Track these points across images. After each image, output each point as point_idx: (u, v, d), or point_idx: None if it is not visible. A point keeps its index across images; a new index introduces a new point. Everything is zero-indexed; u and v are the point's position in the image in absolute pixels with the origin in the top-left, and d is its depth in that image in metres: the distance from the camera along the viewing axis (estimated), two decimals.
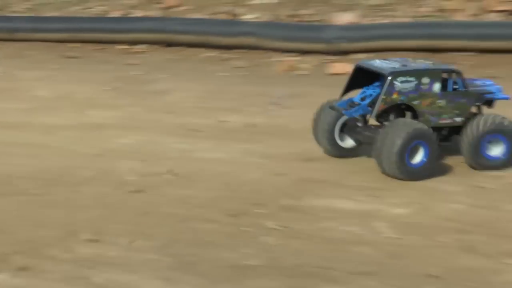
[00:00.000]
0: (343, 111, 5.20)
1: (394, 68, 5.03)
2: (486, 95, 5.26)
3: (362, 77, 5.23)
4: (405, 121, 4.99)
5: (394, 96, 4.98)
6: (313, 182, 4.92)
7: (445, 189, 4.63)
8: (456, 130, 5.17)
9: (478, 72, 6.90)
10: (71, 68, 9.84)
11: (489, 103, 5.33)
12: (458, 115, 5.11)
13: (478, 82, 5.34)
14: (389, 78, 4.93)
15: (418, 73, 4.97)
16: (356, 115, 5.21)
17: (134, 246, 4.23)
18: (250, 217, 4.46)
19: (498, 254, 3.75)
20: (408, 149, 4.87)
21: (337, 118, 5.31)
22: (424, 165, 4.94)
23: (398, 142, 4.85)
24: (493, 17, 7.42)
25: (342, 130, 5.36)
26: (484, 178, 4.72)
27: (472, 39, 7.18)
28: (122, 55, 10.18)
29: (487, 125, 4.98)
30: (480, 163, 5.09)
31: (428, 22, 8.04)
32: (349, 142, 5.44)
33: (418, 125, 4.93)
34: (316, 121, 5.40)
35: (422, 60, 5.43)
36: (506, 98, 5.36)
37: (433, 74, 4.99)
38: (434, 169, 5.00)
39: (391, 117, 5.13)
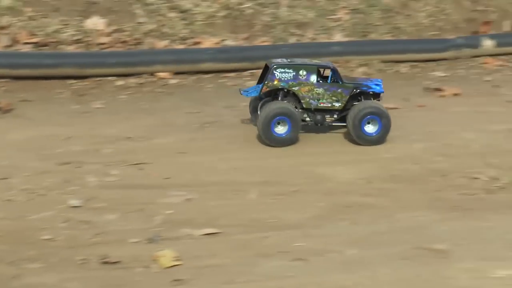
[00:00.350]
0: (241, 92, 6.52)
1: (278, 62, 6.37)
2: (362, 87, 6.45)
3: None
4: (276, 102, 6.30)
5: (276, 82, 6.31)
6: None
7: None
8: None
9: (10, 96, 7.44)
10: None
11: (376, 96, 6.54)
12: (336, 101, 6.39)
13: (360, 80, 6.73)
14: (271, 69, 6.28)
15: (295, 67, 6.33)
16: (250, 96, 6.51)
17: None
18: None
19: (20, 260, 4.15)
20: (273, 122, 6.14)
21: (259, 100, 6.53)
22: (286, 135, 6.21)
23: (265, 115, 6.14)
24: (23, 48, 8.07)
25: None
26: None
27: (4, 67, 7.73)
28: None
29: (366, 109, 6.22)
30: (361, 138, 6.30)
31: None
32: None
33: (283, 104, 6.24)
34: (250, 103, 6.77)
35: (315, 60, 6.74)
36: (381, 91, 6.52)
37: (308, 68, 6.35)
38: (297, 138, 6.27)
39: (279, 98, 6.39)
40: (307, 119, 6.49)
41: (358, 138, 6.32)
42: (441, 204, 5.12)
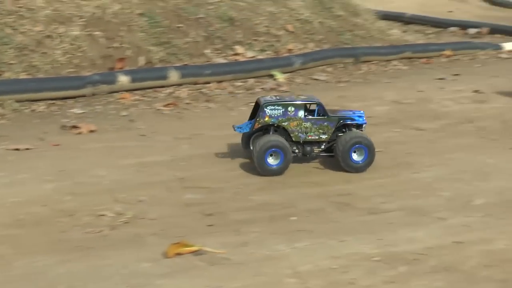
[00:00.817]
0: (235, 128, 7.02)
1: (268, 100, 6.87)
2: (346, 120, 7.00)
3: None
4: (268, 135, 6.79)
5: (266, 119, 6.83)
6: None
7: None
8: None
9: None
10: None
11: (359, 127, 7.07)
12: (323, 133, 6.93)
13: (344, 112, 7.21)
14: (262, 106, 6.79)
15: (284, 104, 6.85)
16: (242, 132, 7.00)
17: None
18: None
19: None
20: (267, 154, 6.62)
21: (250, 135, 7.04)
22: (279, 166, 6.69)
23: (259, 148, 6.61)
24: None
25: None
26: None
27: None
28: None
29: (352, 139, 6.79)
30: (350, 166, 6.83)
31: None
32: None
33: (276, 137, 6.73)
34: (242, 137, 7.15)
35: (302, 96, 7.22)
36: (363, 123, 7.12)
37: (296, 105, 6.86)
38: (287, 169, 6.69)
39: (270, 133, 6.85)
40: (296, 151, 6.83)
41: (347, 166, 6.85)
42: (64, 245, 5.10)
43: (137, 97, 9.76)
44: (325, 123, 6.97)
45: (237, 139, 7.57)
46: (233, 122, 8.81)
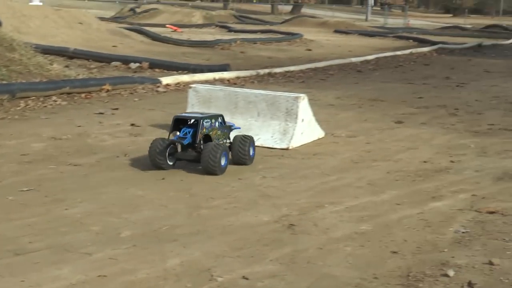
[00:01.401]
0: (183, 141, 8.44)
1: (201, 115, 8.70)
2: (231, 127, 9.18)
3: (178, 123, 8.67)
4: (216, 143, 8.51)
5: (204, 130, 8.57)
6: None
7: None
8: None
9: None
10: None
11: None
12: (224, 138, 8.95)
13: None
14: (201, 121, 8.53)
15: (211, 117, 8.77)
16: (187, 143, 8.45)
17: None
18: None
19: None
20: (221, 157, 8.31)
21: (167, 148, 8.46)
22: (225, 165, 8.47)
23: (218, 153, 8.30)
24: None
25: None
26: None
27: None
28: None
29: (248, 140, 8.88)
30: (251, 160, 8.99)
31: None
32: (171, 161, 8.59)
33: (223, 144, 8.62)
34: (154, 151, 8.45)
35: (203, 112, 9.41)
36: (239, 128, 9.54)
37: (215, 117, 8.86)
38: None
39: (201, 142, 8.57)
40: None
41: (249, 160, 8.92)
42: None
43: None
44: (225, 130, 8.96)
45: None
46: None
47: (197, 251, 6.03)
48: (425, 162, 9.48)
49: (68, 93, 13.33)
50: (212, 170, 8.33)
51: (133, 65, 18.65)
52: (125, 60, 19.17)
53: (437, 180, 8.57)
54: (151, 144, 8.57)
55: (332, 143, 10.61)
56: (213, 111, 10.58)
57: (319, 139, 10.75)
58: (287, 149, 10.05)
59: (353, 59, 23.11)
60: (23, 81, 13.24)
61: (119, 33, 27.38)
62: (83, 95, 13.55)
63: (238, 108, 10.55)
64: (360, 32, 40.03)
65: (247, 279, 5.47)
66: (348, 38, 36.29)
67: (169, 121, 11.55)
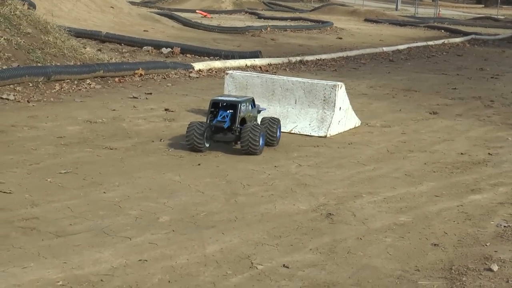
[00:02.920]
0: (222, 125, 8.68)
1: (238, 99, 8.90)
2: (260, 109, 9.48)
3: (214, 107, 8.92)
4: (255, 124, 8.78)
5: (241, 113, 8.80)
6: None
7: None
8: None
9: None
10: None
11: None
12: (255, 120, 9.22)
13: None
14: (239, 104, 8.76)
15: (245, 101, 8.94)
16: (227, 126, 8.70)
17: None
18: None
19: None
20: (260, 138, 8.61)
21: (205, 130, 8.62)
22: (263, 146, 8.79)
23: (257, 134, 8.61)
24: None
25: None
26: None
27: None
28: None
29: (275, 122, 9.10)
30: (277, 141, 9.21)
31: None
32: (207, 144, 8.76)
33: (260, 126, 8.80)
34: (192, 134, 8.61)
35: (238, 95, 9.88)
36: (264, 110, 9.78)
37: (249, 100, 9.09)
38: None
39: (239, 124, 8.77)
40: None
41: (276, 142, 9.18)
42: None
43: None
44: (256, 113, 9.26)
45: None
46: None
47: (236, 238, 6.01)
48: (462, 154, 9.38)
49: (102, 77, 13.36)
50: (253, 151, 8.65)
51: (164, 50, 18.64)
52: (157, 45, 19.17)
53: (476, 172, 8.47)
54: (188, 126, 8.71)
55: (367, 132, 10.53)
56: None
57: (354, 128, 10.67)
58: (325, 137, 9.99)
59: (385, 49, 22.93)
60: (58, 64, 13.28)
61: (150, 18, 27.40)
62: (116, 79, 13.57)
63: (275, 95, 10.50)
64: (391, 21, 39.70)
65: (287, 267, 5.44)
66: (378, 27, 35.99)
67: (203, 106, 11.62)
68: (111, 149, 8.83)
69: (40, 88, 11.89)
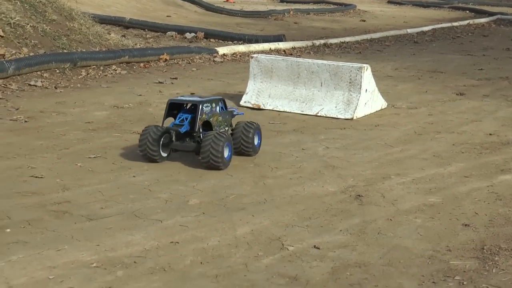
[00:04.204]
0: (179, 129, 7.36)
1: (199, 99, 7.49)
2: (233, 112, 8.05)
3: (172, 109, 7.58)
4: (220, 132, 7.25)
5: (203, 116, 7.44)
6: None
7: None
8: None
9: None
10: None
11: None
12: (226, 126, 7.81)
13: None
14: (200, 105, 7.36)
15: (211, 101, 7.58)
16: (184, 131, 7.37)
17: None
18: None
19: None
20: (224, 148, 7.14)
21: (160, 137, 7.32)
22: (229, 157, 7.33)
23: (221, 143, 7.12)
24: None
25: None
26: None
27: None
28: None
29: (252, 127, 7.75)
30: (255, 150, 7.83)
31: None
32: (165, 153, 7.47)
33: (226, 133, 7.33)
34: (146, 140, 7.30)
35: (202, 95, 8.44)
36: (242, 114, 8.49)
37: (216, 101, 7.70)
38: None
39: (201, 129, 7.42)
40: None
41: (253, 151, 7.82)
42: None
43: None
44: (227, 116, 7.89)
45: None
46: None
47: (266, 220, 6.03)
48: (490, 134, 9.32)
49: (127, 62, 13.41)
50: (214, 164, 7.19)
51: (188, 35, 18.65)
52: (181, 30, 19.18)
53: (505, 153, 8.41)
54: (142, 131, 7.45)
55: (394, 114, 10.49)
56: (274, 81, 10.57)
57: (380, 110, 10.63)
58: (351, 119, 9.96)
59: (409, 30, 22.75)
60: (83, 50, 13.34)
61: (172, 3, 27.39)
62: (141, 64, 13.61)
63: (301, 78, 10.48)
64: (414, 3, 39.32)
65: (318, 248, 5.46)
66: (402, 9, 35.69)
67: (228, 91, 11.64)
68: (138, 133, 8.85)
69: (66, 75, 11.96)
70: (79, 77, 12.03)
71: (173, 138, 7.55)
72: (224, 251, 5.36)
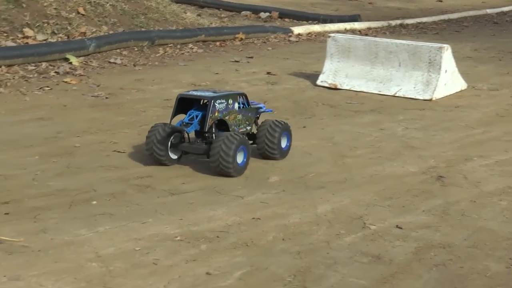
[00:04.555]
0: (185, 129, 6.33)
1: (212, 94, 6.44)
2: (259, 109, 7.02)
3: (182, 105, 6.54)
4: (231, 134, 6.28)
5: (216, 114, 6.38)
6: None
7: None
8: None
9: None
10: None
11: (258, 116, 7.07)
12: (248, 125, 6.79)
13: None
14: (212, 101, 6.34)
15: (226, 97, 6.53)
16: (192, 131, 6.38)
17: None
18: None
19: None
20: (237, 152, 6.18)
21: (169, 137, 6.40)
22: (244, 163, 6.35)
23: (233, 146, 6.15)
24: None
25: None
26: None
27: None
28: None
29: (279, 127, 6.75)
30: (282, 154, 6.87)
31: None
32: (174, 155, 6.53)
33: (240, 135, 6.31)
34: (152, 140, 6.40)
35: (217, 89, 7.51)
36: (271, 111, 7.47)
37: (233, 96, 6.64)
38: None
39: (213, 130, 6.47)
40: None
41: (280, 155, 6.85)
42: None
43: None
44: (249, 114, 6.82)
45: (38, 124, 7.33)
46: (27, 107, 8.53)
47: (346, 199, 6.00)
48: None
49: (204, 41, 13.48)
50: (224, 170, 6.25)
51: (263, 15, 18.62)
52: (255, 10, 19.16)
53: None
54: (150, 130, 6.58)
55: (474, 96, 10.27)
56: (352, 61, 10.46)
57: (460, 91, 10.42)
58: (430, 100, 9.80)
59: (488, 11, 22.17)
60: (161, 28, 13.48)
61: None
62: (217, 43, 13.66)
63: (378, 58, 10.36)
64: None
65: (400, 228, 5.40)
66: None
67: (304, 70, 11.60)
68: None
69: (144, 53, 12.11)
70: (157, 55, 12.16)
71: (183, 139, 6.62)
72: (306, 228, 5.36)
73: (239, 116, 6.70)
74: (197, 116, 6.45)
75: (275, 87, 10.42)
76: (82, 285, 4.30)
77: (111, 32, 12.28)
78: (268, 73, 11.30)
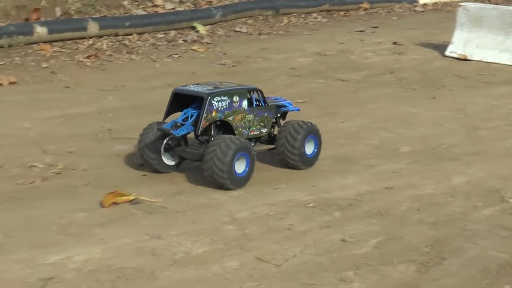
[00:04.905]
0: (172, 131, 5.23)
1: (210, 90, 5.36)
2: (281, 108, 5.80)
3: (180, 101, 5.49)
4: (230, 137, 5.20)
5: (213, 114, 5.30)
6: None
7: None
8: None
9: None
10: None
11: (284, 115, 5.89)
12: (263, 127, 5.63)
13: (271, 98, 5.89)
14: (208, 98, 5.24)
15: (230, 93, 5.39)
16: (182, 134, 5.30)
17: None
18: None
19: None
20: (235, 161, 5.13)
21: (162, 139, 5.40)
22: (245, 173, 5.25)
23: (230, 152, 5.09)
24: None
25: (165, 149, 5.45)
26: None
27: None
28: None
29: (303, 129, 5.57)
30: (306, 162, 5.67)
31: None
32: (171, 160, 5.51)
33: (241, 139, 5.24)
34: (143, 142, 5.45)
35: (226, 83, 5.98)
36: (297, 110, 6.02)
37: (241, 93, 5.47)
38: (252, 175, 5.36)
39: (212, 132, 5.39)
40: None
41: (303, 163, 5.63)
42: None
43: (56, 48, 9.47)
44: (265, 114, 5.65)
45: (164, 89, 7.50)
46: (157, 74, 8.74)
47: (481, 171, 5.83)
48: None
49: (328, 11, 13.36)
50: (218, 180, 5.18)
51: None
52: None
53: None
54: (144, 128, 5.59)
55: None
56: (484, 31, 10.09)
57: None
58: None
59: None
60: None
61: None
62: (341, 12, 13.52)
63: None
64: None
65: None
66: None
67: (431, 40, 11.30)
68: (342, 81, 8.87)
69: (269, 22, 12.13)
70: (281, 24, 12.16)
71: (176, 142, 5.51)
72: (441, 199, 5.25)
73: (250, 117, 5.53)
74: (191, 116, 5.38)
75: (402, 57, 10.22)
76: (219, 246, 4.37)
77: (236, 1, 12.36)
78: (395, 43, 11.09)
